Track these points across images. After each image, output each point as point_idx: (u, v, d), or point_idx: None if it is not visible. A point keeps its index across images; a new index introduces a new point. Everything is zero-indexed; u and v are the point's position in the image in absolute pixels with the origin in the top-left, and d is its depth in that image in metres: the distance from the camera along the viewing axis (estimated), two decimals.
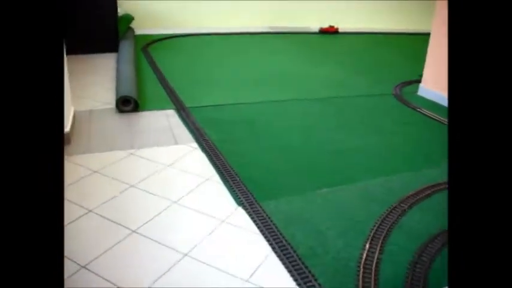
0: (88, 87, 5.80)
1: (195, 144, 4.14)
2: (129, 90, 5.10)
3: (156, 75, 6.49)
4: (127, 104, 4.92)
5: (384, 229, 2.95)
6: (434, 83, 6.11)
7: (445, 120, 5.21)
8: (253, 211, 3.09)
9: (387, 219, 3.07)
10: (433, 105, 5.81)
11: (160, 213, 3.05)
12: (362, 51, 9.55)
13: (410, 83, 6.93)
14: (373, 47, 10.19)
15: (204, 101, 5.41)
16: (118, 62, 6.74)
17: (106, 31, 7.76)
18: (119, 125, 4.60)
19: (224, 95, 5.74)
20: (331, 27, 11.63)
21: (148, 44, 8.75)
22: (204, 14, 11.22)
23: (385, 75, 7.39)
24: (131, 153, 3.94)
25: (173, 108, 5.11)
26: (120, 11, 9.41)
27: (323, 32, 11.58)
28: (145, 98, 5.44)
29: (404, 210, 3.19)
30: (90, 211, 3.02)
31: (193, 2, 11.03)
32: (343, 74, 7.31)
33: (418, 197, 3.38)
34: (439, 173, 3.78)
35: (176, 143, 4.18)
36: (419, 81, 6.72)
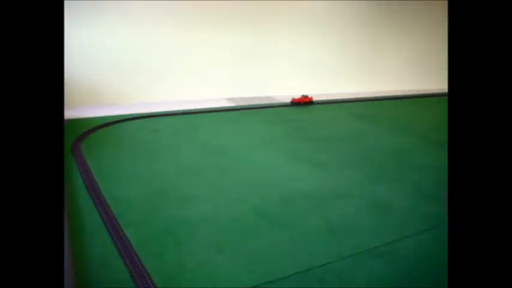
0: None
1: None
2: None
3: (100, 214, 4.07)
4: None
5: None
6: None
7: None
8: None
9: None
10: None
11: None
12: (357, 134, 7.77)
13: None
14: (364, 124, 8.49)
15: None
16: None
17: None
18: None
19: (226, 264, 3.47)
20: (305, 97, 9.88)
21: (81, 137, 6.28)
22: (151, 85, 8.95)
23: (412, 179, 5.57)
24: None
25: None
26: None
27: (296, 103, 9.77)
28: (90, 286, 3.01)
29: None
30: None
31: (138, 70, 8.76)
32: (363, 182, 5.36)
33: None
34: None
35: None
36: None
